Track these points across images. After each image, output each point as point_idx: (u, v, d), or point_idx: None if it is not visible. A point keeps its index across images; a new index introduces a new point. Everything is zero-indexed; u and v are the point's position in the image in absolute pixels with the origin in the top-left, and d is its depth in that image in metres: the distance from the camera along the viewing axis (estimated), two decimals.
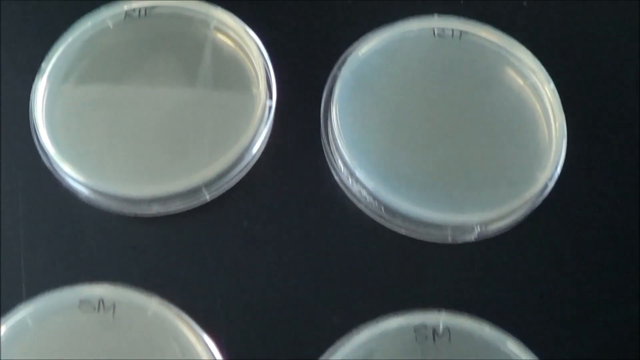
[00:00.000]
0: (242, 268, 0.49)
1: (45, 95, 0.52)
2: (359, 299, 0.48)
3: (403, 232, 0.49)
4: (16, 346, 0.46)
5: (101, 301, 0.46)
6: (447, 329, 0.46)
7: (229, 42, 0.54)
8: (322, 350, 0.46)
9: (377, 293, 0.48)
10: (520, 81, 0.54)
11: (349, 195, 0.50)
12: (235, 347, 0.46)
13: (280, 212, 0.50)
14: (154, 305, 0.46)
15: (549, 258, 0.50)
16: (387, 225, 0.50)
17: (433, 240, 0.49)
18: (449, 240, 0.49)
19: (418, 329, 0.46)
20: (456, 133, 0.51)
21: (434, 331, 0.46)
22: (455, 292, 0.48)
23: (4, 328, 0.46)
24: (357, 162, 0.50)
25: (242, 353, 0.46)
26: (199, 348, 0.46)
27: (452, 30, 0.54)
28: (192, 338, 0.46)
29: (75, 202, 0.50)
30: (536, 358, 0.46)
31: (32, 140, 0.51)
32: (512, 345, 0.46)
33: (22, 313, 0.47)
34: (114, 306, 0.46)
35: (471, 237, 0.49)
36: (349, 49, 0.54)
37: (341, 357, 0.46)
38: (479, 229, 0.49)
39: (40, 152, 0.50)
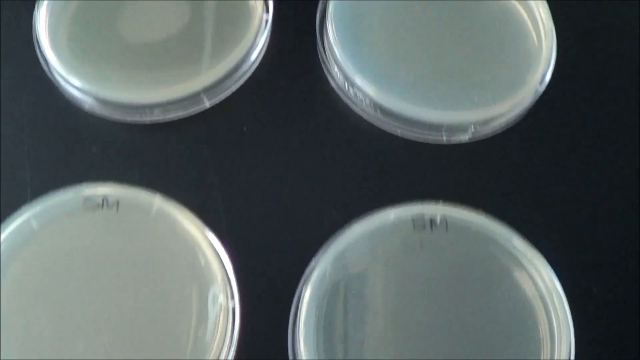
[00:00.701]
0: (243, 168, 0.50)
1: (48, 8, 0.53)
2: (356, 195, 0.49)
3: (399, 132, 0.50)
4: (21, 248, 0.47)
5: (105, 199, 0.47)
6: (444, 219, 0.47)
7: None
8: (323, 241, 0.47)
9: (374, 190, 0.49)
10: None
11: (345, 100, 0.51)
12: (237, 243, 0.47)
13: (279, 117, 0.51)
14: (158, 202, 0.47)
15: (542, 155, 0.51)
16: (384, 127, 0.51)
17: (429, 140, 0.50)
18: (444, 140, 0.50)
19: (416, 219, 0.47)
20: (450, 37, 0.52)
21: (432, 221, 0.47)
22: (451, 189, 0.49)
23: (8, 230, 0.47)
24: (354, 66, 0.51)
25: (244, 248, 0.47)
26: (202, 241, 0.46)
27: None
28: (195, 231, 0.47)
29: (78, 111, 0.51)
30: (530, 244, 0.47)
31: (34, 52, 0.52)
32: (506, 233, 0.47)
33: (27, 215, 0.47)
34: (118, 203, 0.47)
35: (465, 137, 0.50)
36: None
37: (341, 246, 0.46)
38: (473, 129, 0.50)
39: (43, 63, 0.51)
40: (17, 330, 0.45)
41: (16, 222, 0.47)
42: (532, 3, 0.54)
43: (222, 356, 0.45)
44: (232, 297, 0.46)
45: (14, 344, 0.45)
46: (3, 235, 0.47)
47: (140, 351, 0.45)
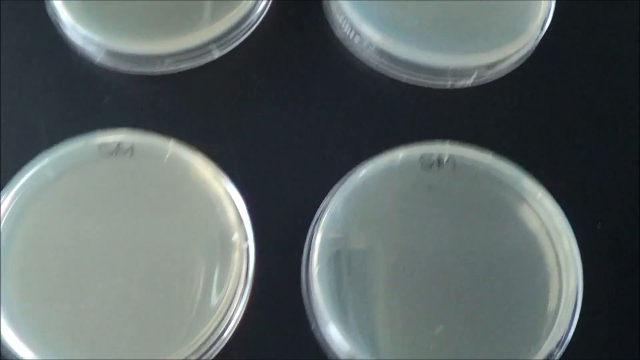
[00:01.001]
0: (253, 115, 0.50)
1: None
2: (364, 139, 0.50)
3: (404, 79, 0.51)
4: (37, 196, 0.47)
5: (119, 145, 0.48)
6: (451, 158, 0.48)
7: None
8: (334, 183, 0.48)
9: (381, 134, 0.50)
10: None
11: (351, 48, 0.52)
12: (250, 186, 0.48)
13: (287, 66, 0.52)
14: (172, 147, 0.48)
15: (545, 97, 0.52)
16: (390, 73, 0.52)
17: (433, 85, 0.51)
18: (449, 85, 0.51)
19: (423, 158, 0.48)
20: None
21: (439, 160, 0.48)
22: (456, 131, 0.50)
23: (24, 179, 0.47)
24: (359, 15, 0.51)
25: (257, 190, 0.48)
26: (216, 184, 0.47)
27: None
28: (209, 175, 0.47)
29: (90, 64, 0.51)
30: (536, 182, 0.48)
31: (45, 9, 0.52)
32: (512, 171, 0.48)
33: (41, 163, 0.48)
34: (132, 149, 0.48)
35: (469, 81, 0.51)
36: None
37: (351, 186, 0.47)
38: (476, 74, 0.51)
39: (54, 19, 0.52)
40: (34, 277, 0.46)
41: (31, 171, 0.48)
42: None
43: (238, 295, 0.46)
44: (246, 239, 0.46)
45: (30, 290, 0.45)
46: (19, 184, 0.47)
47: (155, 292, 0.45)
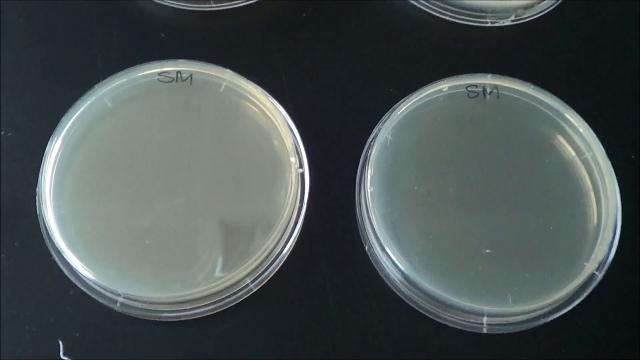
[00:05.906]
0: (305, 50, 0.50)
1: None
2: (410, 73, 0.50)
3: (447, 17, 0.51)
4: (96, 125, 0.47)
5: (179, 73, 0.47)
6: (496, 88, 0.48)
7: None
8: (382, 114, 0.48)
9: (425, 68, 0.50)
10: None
11: None
12: (303, 116, 0.48)
13: (337, 4, 0.52)
14: (229, 76, 0.47)
15: (580, 36, 0.52)
16: (434, 12, 0.51)
17: (475, 23, 0.51)
18: (489, 23, 0.51)
19: (469, 88, 0.48)
20: None
21: (484, 89, 0.48)
22: (496, 67, 0.50)
23: (82, 108, 0.47)
24: None
25: (310, 121, 0.48)
26: (272, 112, 0.47)
27: None
28: (266, 103, 0.47)
29: (146, 2, 0.51)
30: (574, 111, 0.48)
31: None
32: (553, 102, 0.48)
33: (101, 90, 0.47)
34: (191, 77, 0.47)
35: (508, 20, 0.51)
36: None
37: (400, 116, 0.47)
38: (515, 14, 0.51)
39: None
40: (92, 200, 0.45)
41: (90, 99, 0.47)
42: None
43: (293, 217, 0.45)
44: (301, 165, 0.46)
45: (89, 212, 0.45)
46: (78, 113, 0.47)
47: (212, 214, 0.45)
